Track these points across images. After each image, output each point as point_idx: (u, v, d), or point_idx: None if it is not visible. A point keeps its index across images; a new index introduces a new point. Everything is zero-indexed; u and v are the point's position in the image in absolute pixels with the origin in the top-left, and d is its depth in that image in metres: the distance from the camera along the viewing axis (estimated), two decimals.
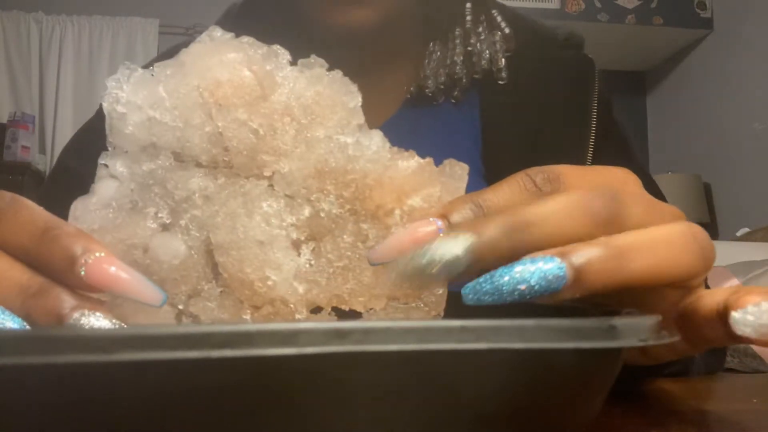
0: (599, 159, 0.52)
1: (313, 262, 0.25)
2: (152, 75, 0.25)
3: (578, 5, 2.71)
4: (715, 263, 0.26)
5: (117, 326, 0.21)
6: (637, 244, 0.23)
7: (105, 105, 0.25)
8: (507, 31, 0.57)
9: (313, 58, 0.26)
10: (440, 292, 0.26)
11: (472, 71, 0.56)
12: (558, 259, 0.22)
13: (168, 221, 0.25)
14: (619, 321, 0.19)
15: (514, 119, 0.53)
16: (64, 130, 3.00)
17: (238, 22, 0.56)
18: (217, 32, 0.26)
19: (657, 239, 0.23)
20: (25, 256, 0.22)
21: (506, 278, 0.21)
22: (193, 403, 0.17)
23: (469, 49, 0.56)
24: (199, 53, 0.25)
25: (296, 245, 0.26)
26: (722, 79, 2.55)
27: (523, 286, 0.21)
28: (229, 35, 0.26)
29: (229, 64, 0.25)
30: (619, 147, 0.56)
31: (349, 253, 0.25)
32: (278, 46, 0.26)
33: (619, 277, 0.22)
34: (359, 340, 0.16)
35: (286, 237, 0.25)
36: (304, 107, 0.25)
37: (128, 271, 0.22)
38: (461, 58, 0.56)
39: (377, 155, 0.25)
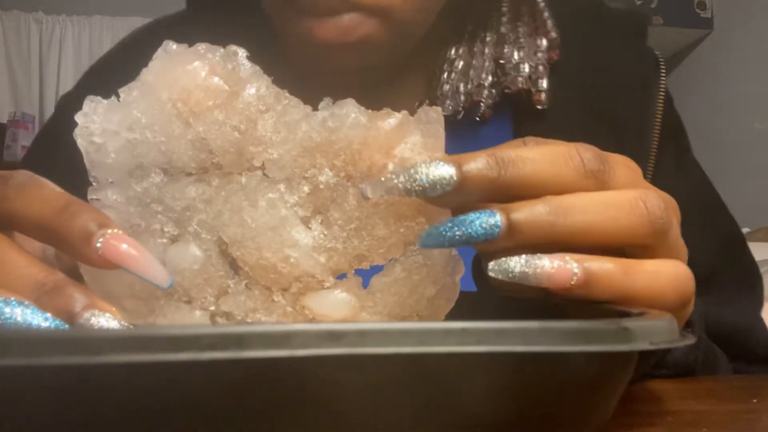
0: (661, 166, 0.48)
1: (326, 233, 0.26)
2: (118, 101, 0.26)
3: None
4: None
5: (124, 327, 0.22)
6: (578, 203, 0.23)
7: (80, 142, 0.26)
8: (554, 35, 0.48)
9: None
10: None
11: (504, 86, 0.47)
12: (498, 212, 0.23)
13: (176, 233, 0.26)
14: (629, 323, 0.19)
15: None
16: None
17: (185, 29, 0.49)
18: (172, 46, 0.26)
19: (600, 200, 0.24)
20: (42, 230, 0.23)
21: (448, 225, 0.23)
22: (182, 406, 0.16)
23: (502, 62, 0.47)
24: (161, 69, 0.26)
25: (305, 222, 0.26)
26: (722, 79, 2.55)
27: (460, 232, 0.23)
28: (184, 46, 0.26)
29: (193, 71, 0.26)
30: (681, 149, 0.51)
31: (357, 214, 0.26)
32: (233, 45, 0.27)
33: (553, 231, 0.23)
34: (354, 343, 0.15)
35: (295, 216, 0.26)
36: (275, 95, 0.26)
37: (140, 250, 0.23)
38: (491, 70, 0.47)
39: (356, 121, 0.26)
